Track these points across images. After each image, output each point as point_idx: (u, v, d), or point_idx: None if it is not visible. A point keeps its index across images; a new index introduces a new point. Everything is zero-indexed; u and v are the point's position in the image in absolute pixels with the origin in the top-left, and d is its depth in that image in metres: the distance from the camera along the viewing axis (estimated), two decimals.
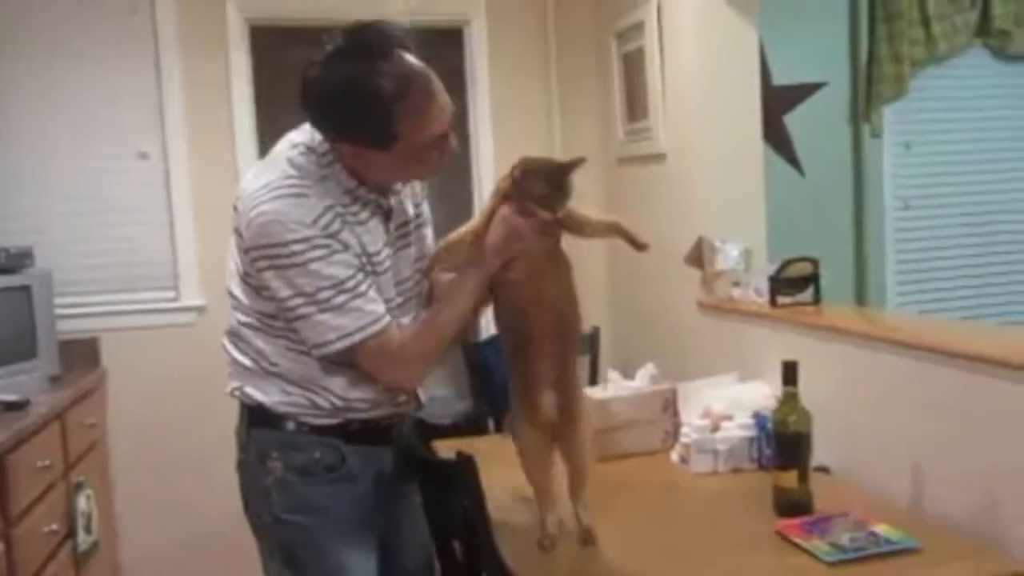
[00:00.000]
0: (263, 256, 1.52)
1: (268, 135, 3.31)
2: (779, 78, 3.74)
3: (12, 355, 2.82)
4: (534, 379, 1.68)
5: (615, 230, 1.78)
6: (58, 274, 3.06)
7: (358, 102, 1.48)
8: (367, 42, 1.50)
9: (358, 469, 1.65)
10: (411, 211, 1.73)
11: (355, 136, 1.52)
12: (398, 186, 1.69)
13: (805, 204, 3.69)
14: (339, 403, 1.62)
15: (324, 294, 1.52)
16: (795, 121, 3.82)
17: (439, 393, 4.68)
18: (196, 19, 3.32)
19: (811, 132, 3.82)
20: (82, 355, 3.21)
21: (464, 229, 1.72)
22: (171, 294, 3.36)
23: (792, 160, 3.84)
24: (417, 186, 1.77)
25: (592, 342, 3.37)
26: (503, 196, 1.67)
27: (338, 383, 1.61)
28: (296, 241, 1.50)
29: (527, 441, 1.72)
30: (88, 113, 3.26)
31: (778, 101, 3.79)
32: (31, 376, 2.84)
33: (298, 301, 1.53)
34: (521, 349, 1.70)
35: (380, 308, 1.58)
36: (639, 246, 1.77)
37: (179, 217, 3.33)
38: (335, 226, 1.53)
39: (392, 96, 1.47)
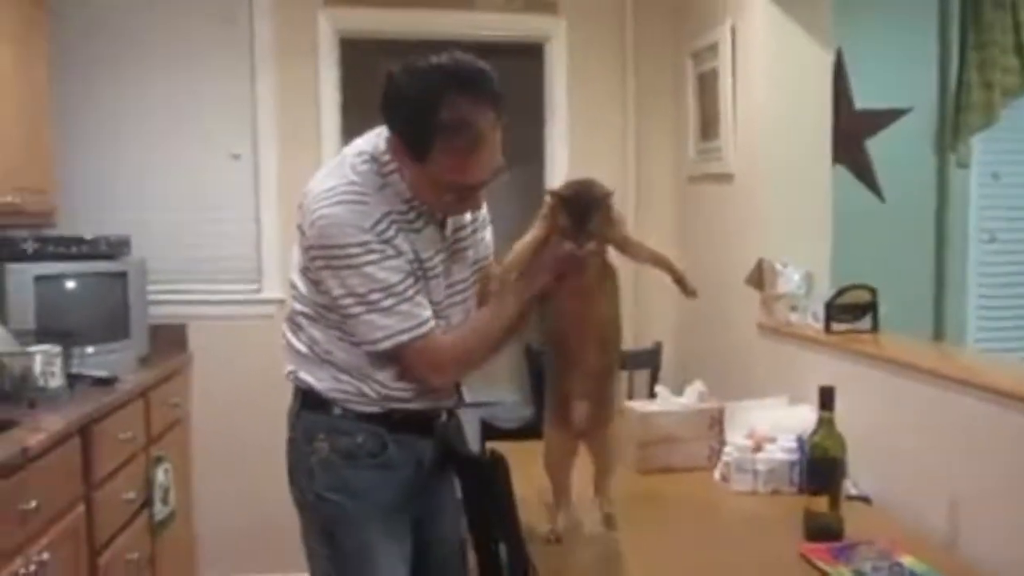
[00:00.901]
0: (320, 256, 1.63)
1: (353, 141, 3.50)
2: (863, 102, 3.71)
3: (106, 335, 3.04)
4: (569, 390, 1.78)
5: (664, 265, 1.81)
6: (152, 263, 3.29)
7: (413, 110, 1.57)
8: (461, 74, 1.57)
9: (398, 457, 1.75)
10: (468, 216, 1.81)
11: (400, 134, 1.61)
12: None
13: (884, 232, 3.63)
14: (384, 392, 1.72)
15: (374, 296, 1.62)
16: (877, 146, 3.77)
17: (508, 398, 4.79)
18: (290, 30, 3.52)
19: (894, 158, 3.76)
20: (170, 339, 3.44)
21: (521, 248, 1.77)
22: (254, 286, 3.56)
23: (872, 186, 3.79)
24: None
25: (653, 357, 3.41)
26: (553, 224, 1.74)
27: (385, 374, 1.71)
28: (352, 245, 1.60)
29: (552, 444, 1.82)
30: (186, 115, 3.49)
31: (860, 125, 3.75)
32: (122, 355, 3.06)
33: (349, 301, 1.64)
34: (561, 361, 1.79)
35: (426, 313, 1.67)
36: (687, 290, 1.80)
37: (265, 215, 3.53)
38: (390, 232, 1.63)
39: (442, 125, 1.55)
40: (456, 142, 1.56)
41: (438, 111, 1.54)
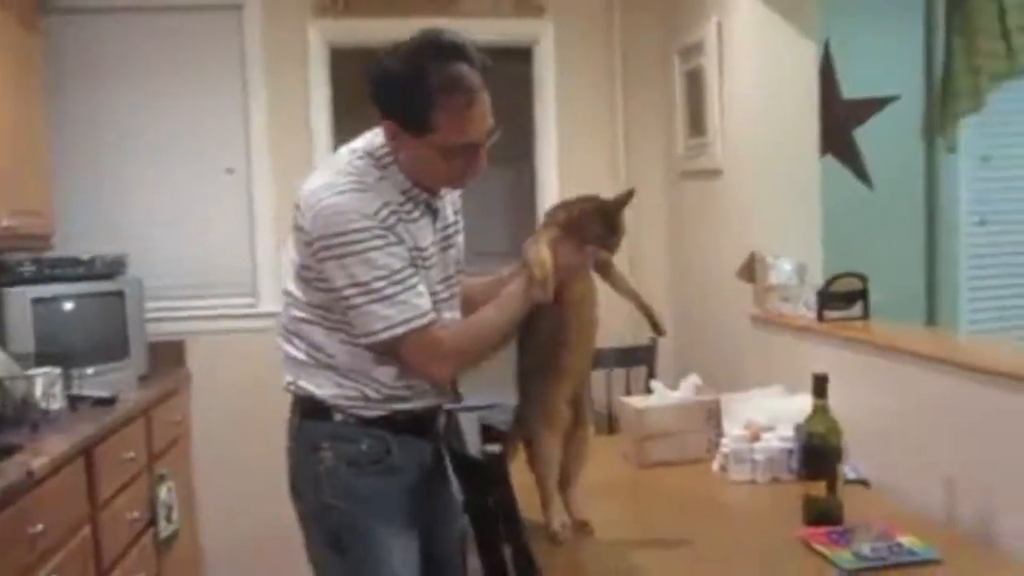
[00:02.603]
0: (325, 246, 1.63)
1: None
2: (850, 92, 3.72)
3: (105, 355, 3.06)
4: (560, 395, 1.81)
5: (639, 305, 1.85)
6: (148, 280, 3.31)
7: (405, 84, 1.61)
8: (435, 43, 1.63)
9: (402, 460, 1.76)
10: (451, 217, 1.86)
11: (396, 115, 1.63)
12: (443, 191, 1.81)
13: (874, 219, 3.65)
14: (386, 392, 1.73)
15: (378, 284, 1.63)
16: (865, 135, 3.78)
17: (505, 400, 4.78)
18: (280, 43, 3.55)
19: (882, 146, 3.77)
20: (169, 356, 3.45)
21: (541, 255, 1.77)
22: (250, 300, 3.58)
23: (861, 174, 3.80)
24: (455, 195, 1.89)
25: (649, 353, 3.42)
26: (562, 228, 1.77)
27: (386, 373, 1.72)
28: (357, 231, 1.62)
29: (547, 447, 1.83)
30: (179, 132, 3.52)
31: (848, 115, 3.77)
32: (122, 375, 3.08)
33: (352, 291, 1.64)
34: (551, 370, 1.82)
35: (426, 304, 1.69)
36: (658, 329, 1.87)
37: (259, 228, 3.55)
38: (391, 220, 1.66)
39: (436, 88, 1.59)
40: (453, 100, 1.60)
41: (428, 77, 1.59)
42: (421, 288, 1.68)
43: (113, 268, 3.19)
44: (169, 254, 3.50)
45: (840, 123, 3.71)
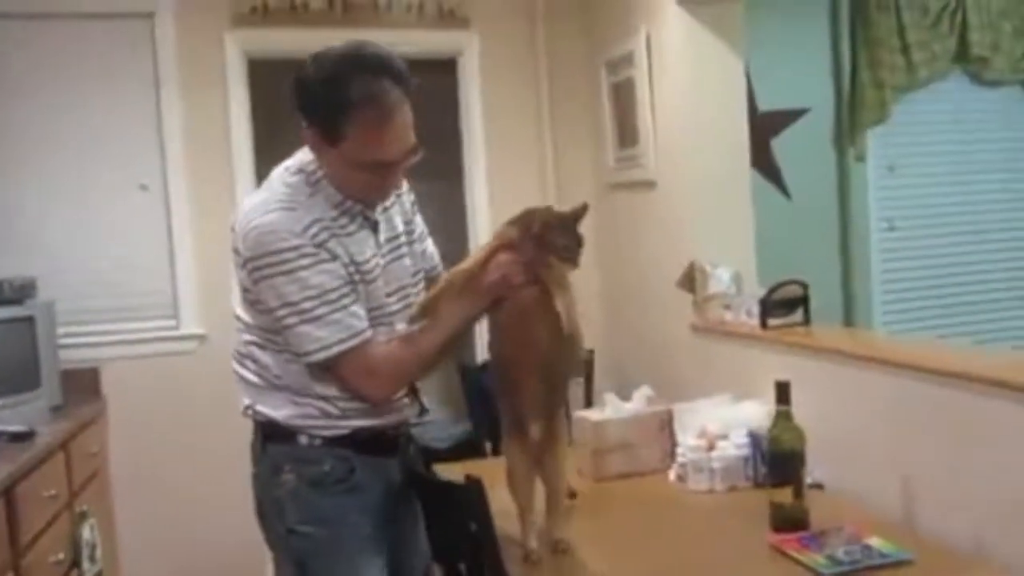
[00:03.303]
0: (256, 267, 1.63)
1: (266, 167, 3.37)
2: (764, 104, 3.84)
3: (16, 385, 2.85)
4: (520, 412, 1.78)
5: (571, 331, 1.78)
6: (60, 304, 3.10)
7: (323, 92, 1.60)
8: (359, 55, 1.62)
9: (367, 480, 1.74)
10: (400, 227, 1.83)
11: (313, 122, 1.63)
12: (388, 202, 1.79)
13: (792, 227, 3.77)
14: (344, 406, 1.70)
15: (307, 304, 1.62)
16: (781, 146, 3.92)
17: (435, 416, 4.72)
18: (195, 54, 3.40)
19: (797, 156, 3.92)
20: (83, 384, 3.24)
21: (458, 269, 1.80)
22: (171, 323, 3.41)
23: (779, 184, 3.93)
24: (407, 203, 1.87)
25: (586, 365, 3.43)
26: (504, 243, 1.75)
27: (336, 390, 1.70)
28: (286, 250, 1.61)
29: (515, 464, 1.81)
30: (89, 146, 3.32)
31: (764, 127, 3.88)
32: (34, 406, 2.87)
33: (284, 312, 1.63)
34: (508, 384, 1.80)
35: (360, 324, 1.67)
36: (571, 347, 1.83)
37: (179, 247, 3.39)
38: (322, 236, 1.63)
39: (351, 101, 1.58)
40: (366, 115, 1.59)
41: (346, 89, 1.58)
42: (355, 308, 1.67)
43: (22, 292, 2.97)
44: (82, 276, 3.29)
45: (757, 135, 3.83)
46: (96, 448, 3.16)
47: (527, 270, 1.73)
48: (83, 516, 2.82)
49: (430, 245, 1.95)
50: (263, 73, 3.51)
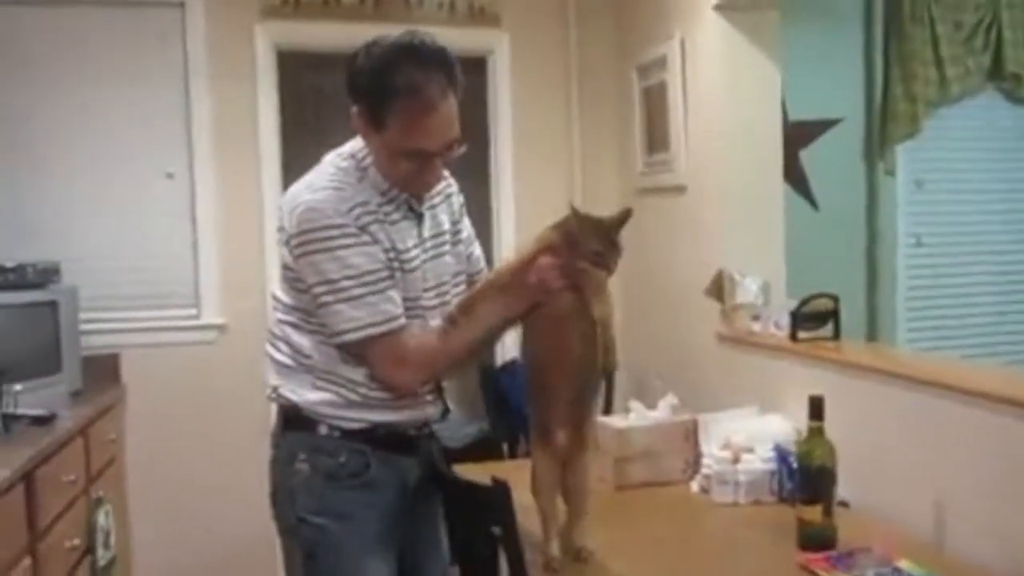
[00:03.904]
0: (299, 243, 1.64)
1: (293, 159, 3.40)
2: (795, 114, 3.80)
3: (37, 369, 2.84)
4: (550, 419, 1.76)
5: (606, 342, 1.75)
6: (83, 290, 3.09)
7: (371, 78, 1.62)
8: (412, 44, 1.63)
9: (382, 477, 1.73)
10: (446, 225, 1.83)
11: (361, 106, 1.65)
12: (435, 200, 1.80)
13: (819, 239, 3.73)
14: (365, 392, 1.70)
15: (345, 283, 1.63)
16: (810, 157, 3.87)
17: (451, 416, 4.70)
18: (225, 44, 3.39)
19: (826, 168, 3.87)
20: (103, 371, 3.24)
21: (499, 270, 1.80)
22: (192, 311, 3.40)
23: (807, 195, 3.89)
24: (455, 204, 1.88)
25: (609, 371, 3.40)
26: (547, 246, 1.72)
27: (362, 373, 1.69)
28: (329, 227, 1.62)
29: (541, 470, 1.79)
30: (116, 133, 3.31)
31: (794, 137, 3.84)
32: (54, 390, 2.87)
33: (321, 288, 1.64)
34: (538, 389, 1.78)
35: (395, 310, 1.67)
36: (610, 363, 1.79)
37: (203, 237, 3.38)
38: (366, 219, 1.65)
39: (396, 90, 1.60)
40: (409, 105, 1.60)
41: (391, 78, 1.60)
42: (392, 294, 1.67)
43: (45, 276, 2.97)
44: (105, 262, 3.28)
45: (786, 144, 3.79)
46: (114, 434, 3.15)
47: (565, 275, 1.70)
48: (99, 502, 2.82)
49: (477, 249, 1.95)
50: (292, 65, 3.51)
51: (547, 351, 1.75)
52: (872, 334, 3.90)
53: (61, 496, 2.50)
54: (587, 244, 1.70)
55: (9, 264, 2.89)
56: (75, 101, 3.27)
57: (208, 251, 3.38)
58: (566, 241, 1.71)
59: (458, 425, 4.25)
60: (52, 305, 2.95)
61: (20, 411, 2.53)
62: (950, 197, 4.08)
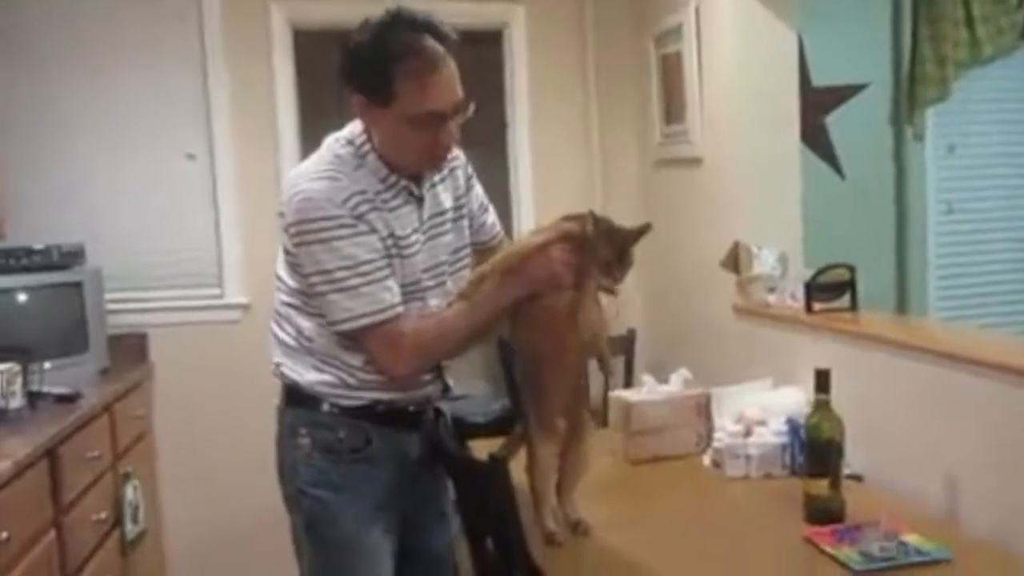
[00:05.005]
0: (296, 232, 1.66)
1: (310, 137, 3.41)
2: (819, 79, 3.71)
3: (64, 349, 2.91)
4: (550, 409, 1.77)
5: (600, 335, 1.79)
6: (108, 271, 3.14)
7: (367, 54, 1.62)
8: (399, 15, 1.64)
9: (381, 452, 1.75)
10: (448, 203, 1.82)
11: (361, 87, 1.64)
12: (437, 177, 1.79)
13: (845, 208, 3.64)
14: (363, 377, 1.72)
15: (340, 273, 1.63)
16: (835, 123, 3.78)
17: (476, 391, 4.72)
18: (241, 24, 3.40)
19: (852, 134, 3.77)
20: (131, 350, 3.31)
21: (507, 253, 1.79)
22: (216, 291, 3.45)
23: (832, 162, 3.80)
24: (460, 178, 1.86)
25: (627, 345, 3.39)
26: (564, 236, 1.71)
27: (360, 360, 1.71)
28: (324, 219, 1.62)
29: (541, 454, 1.79)
30: (137, 116, 3.35)
31: (818, 103, 3.76)
32: (82, 369, 2.94)
33: (317, 279, 1.66)
34: (536, 380, 1.79)
35: (391, 299, 1.67)
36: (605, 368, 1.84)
37: (224, 216, 3.42)
38: (363, 208, 1.65)
39: (397, 53, 1.60)
40: (412, 65, 1.60)
41: (389, 45, 1.60)
42: (388, 283, 1.67)
43: (70, 258, 3.03)
44: (129, 243, 3.34)
45: (810, 111, 3.70)
46: (142, 411, 3.22)
47: (577, 273, 1.70)
48: (126, 477, 2.89)
49: (491, 216, 1.95)
50: (308, 43, 3.51)
51: (545, 344, 1.75)
52: (902, 306, 3.82)
53: (86, 471, 2.56)
54: (599, 251, 1.69)
55: (37, 246, 2.96)
56: (95, 84, 3.31)
57: (230, 231, 3.42)
58: (578, 243, 1.70)
59: (484, 401, 4.28)
60: (77, 286, 3.02)
61: (46, 389, 2.60)
62: (982, 162, 3.96)
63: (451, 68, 1.64)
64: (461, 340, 1.75)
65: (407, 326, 1.70)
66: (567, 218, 1.75)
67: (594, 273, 1.69)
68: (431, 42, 1.62)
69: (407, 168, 1.72)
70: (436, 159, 1.74)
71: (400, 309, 1.68)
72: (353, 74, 1.65)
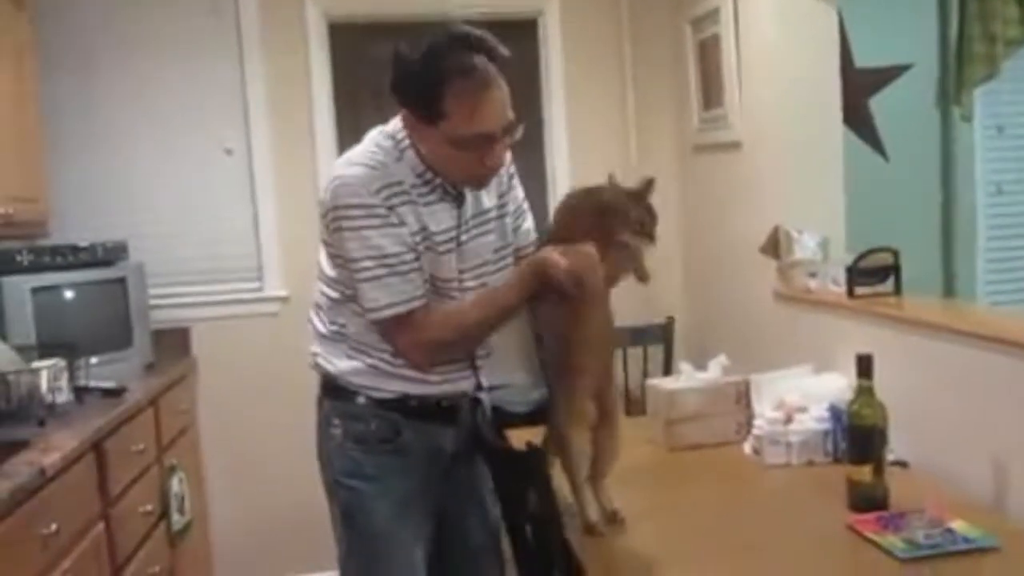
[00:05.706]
0: (332, 218, 1.68)
1: (347, 130, 3.43)
2: (862, 60, 3.62)
3: (109, 344, 2.97)
4: (583, 392, 1.77)
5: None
6: (150, 266, 3.20)
7: (419, 70, 1.61)
8: (452, 33, 1.62)
9: (412, 445, 1.77)
10: (489, 203, 1.81)
11: (411, 102, 1.64)
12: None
13: (889, 190, 3.56)
14: (396, 364, 1.73)
15: (366, 263, 1.65)
16: (879, 104, 3.69)
17: (517, 380, 4.71)
18: (277, 18, 3.43)
19: (896, 115, 3.68)
20: (174, 344, 3.36)
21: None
22: (256, 285, 3.49)
23: (876, 145, 3.72)
24: (504, 176, 1.84)
25: (666, 332, 3.36)
26: (600, 208, 1.70)
27: (390, 347, 1.73)
28: (356, 206, 1.64)
29: (576, 443, 1.77)
30: (174, 111, 3.41)
31: (862, 84, 3.67)
32: (127, 364, 2.99)
33: (349, 266, 1.68)
34: (564, 368, 1.78)
35: (413, 291, 1.68)
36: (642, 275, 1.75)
37: (262, 210, 3.46)
38: (395, 200, 1.66)
39: (447, 73, 1.58)
40: (463, 86, 1.58)
41: (441, 65, 1.59)
42: (413, 276, 1.68)
43: (113, 254, 3.09)
44: (170, 239, 3.40)
45: (853, 92, 3.62)
46: (186, 405, 3.28)
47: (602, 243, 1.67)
48: (172, 469, 2.94)
49: (527, 221, 1.92)
50: (344, 37, 3.53)
51: (579, 329, 1.73)
52: (949, 291, 3.73)
53: (132, 464, 2.61)
54: (633, 212, 1.68)
55: (81, 244, 3.02)
56: (135, 84, 3.37)
57: (268, 225, 3.46)
58: (604, 211, 1.68)
59: (525, 390, 4.27)
60: (121, 282, 3.08)
61: (92, 384, 2.66)
62: None
63: (502, 89, 1.63)
64: (481, 332, 1.77)
65: (427, 318, 1.70)
66: (572, 196, 1.76)
67: (626, 239, 1.67)
68: (482, 62, 1.60)
69: (450, 182, 1.72)
70: (481, 179, 1.73)
71: (421, 302, 1.69)
72: (403, 90, 1.64)
